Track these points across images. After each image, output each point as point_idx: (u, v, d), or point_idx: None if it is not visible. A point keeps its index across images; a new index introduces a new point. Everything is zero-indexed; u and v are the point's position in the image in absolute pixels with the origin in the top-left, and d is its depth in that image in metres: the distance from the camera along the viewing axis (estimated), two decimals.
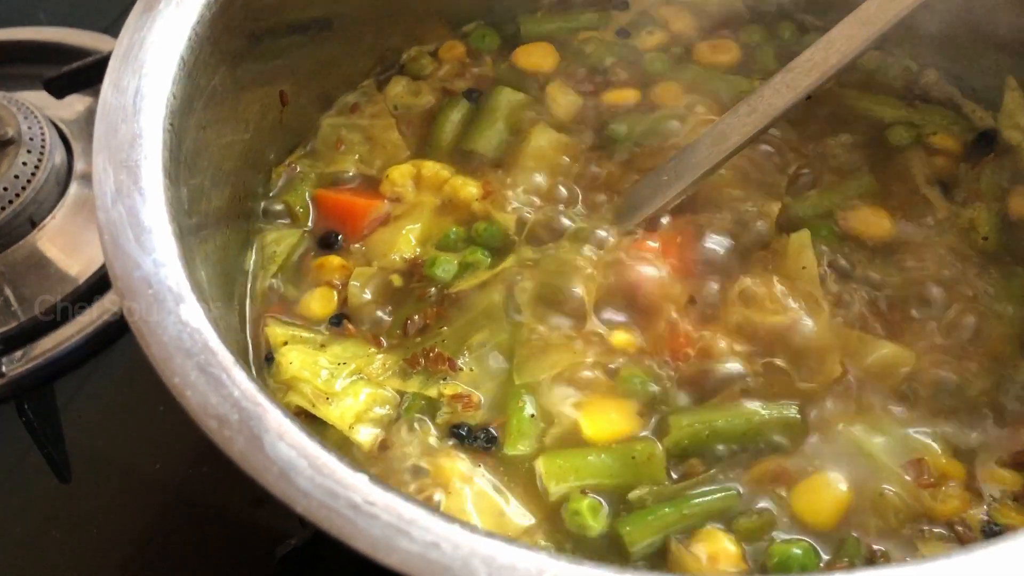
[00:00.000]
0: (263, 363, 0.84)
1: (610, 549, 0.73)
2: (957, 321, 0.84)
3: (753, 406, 0.79)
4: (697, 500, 0.74)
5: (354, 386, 0.81)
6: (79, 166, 1.11)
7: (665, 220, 0.90)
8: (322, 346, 0.84)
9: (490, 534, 0.53)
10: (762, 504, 0.75)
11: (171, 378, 0.59)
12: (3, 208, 1.02)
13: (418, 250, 0.91)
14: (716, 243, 0.88)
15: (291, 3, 0.91)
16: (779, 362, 0.82)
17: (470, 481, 0.75)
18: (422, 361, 0.82)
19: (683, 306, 0.84)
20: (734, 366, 0.81)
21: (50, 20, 1.29)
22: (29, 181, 1.04)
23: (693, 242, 0.88)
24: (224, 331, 0.62)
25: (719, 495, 0.75)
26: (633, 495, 0.75)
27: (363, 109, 1.03)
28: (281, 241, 0.92)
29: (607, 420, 0.79)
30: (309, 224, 0.94)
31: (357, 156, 0.99)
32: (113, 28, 1.24)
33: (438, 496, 0.75)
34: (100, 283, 1.03)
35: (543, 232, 0.90)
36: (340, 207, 0.94)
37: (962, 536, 0.73)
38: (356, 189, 0.96)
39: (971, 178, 0.95)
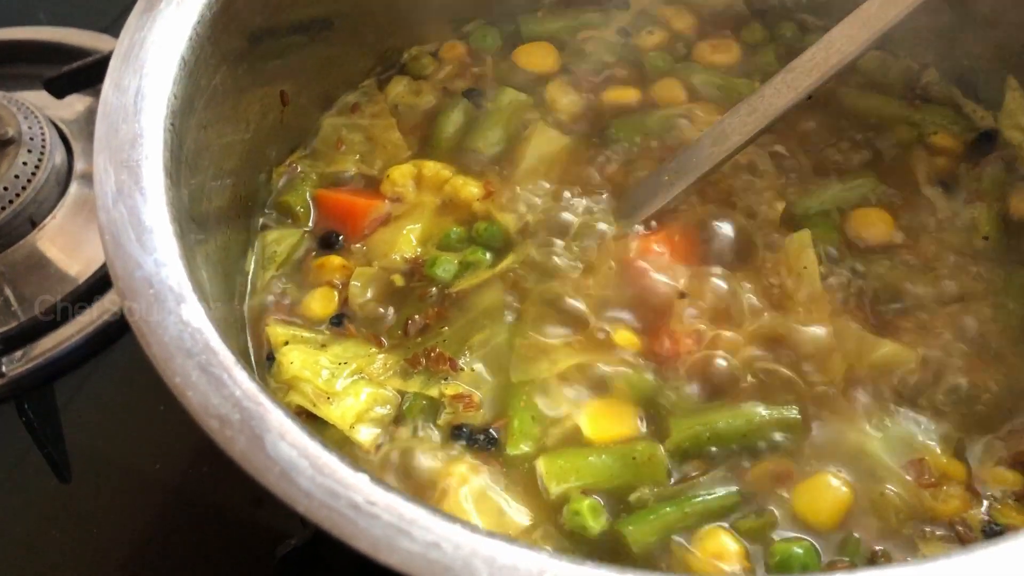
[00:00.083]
0: (264, 363, 0.84)
1: (610, 549, 0.73)
2: (958, 321, 0.84)
3: (754, 407, 0.79)
4: (698, 500, 0.74)
5: (355, 386, 0.81)
6: (79, 166, 1.11)
7: (666, 220, 0.90)
8: (323, 346, 0.84)
9: (491, 534, 0.53)
10: (763, 504, 0.75)
11: (172, 378, 0.59)
12: (3, 208, 1.02)
13: (419, 250, 0.91)
14: (717, 243, 0.88)
15: (291, 3, 0.91)
16: (780, 362, 0.82)
17: (471, 481, 0.75)
18: (423, 361, 0.82)
19: (682, 305, 0.84)
20: (735, 366, 0.81)
21: (50, 20, 1.29)
22: (29, 181, 1.04)
23: (694, 242, 0.89)
24: (225, 331, 0.62)
25: (720, 495, 0.75)
26: (634, 496, 0.75)
27: (364, 109, 1.03)
28: (282, 241, 0.92)
29: (608, 421, 0.79)
30: (310, 224, 0.94)
31: (358, 156, 0.99)
32: (113, 28, 1.24)
33: (438, 496, 0.74)
34: (100, 283, 1.03)
35: (543, 232, 0.90)
36: (341, 207, 0.94)
37: (963, 536, 0.73)
38: (357, 189, 0.96)
39: (972, 178, 0.95)
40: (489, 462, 0.77)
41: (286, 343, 0.84)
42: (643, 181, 0.93)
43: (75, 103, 1.17)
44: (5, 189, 1.03)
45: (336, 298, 0.88)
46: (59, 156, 1.09)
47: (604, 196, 0.93)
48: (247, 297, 0.89)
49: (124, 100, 0.71)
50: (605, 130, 0.99)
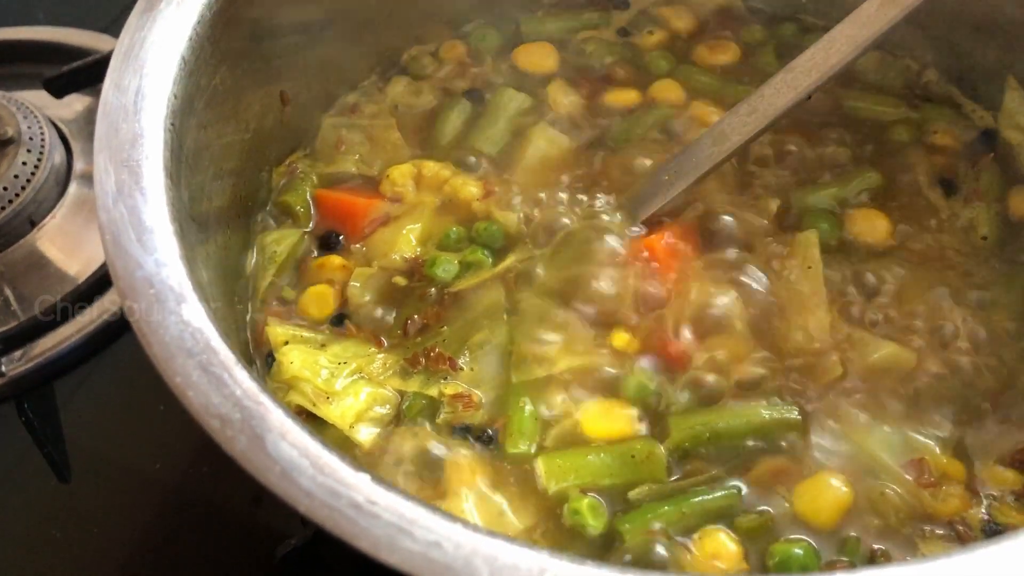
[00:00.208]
0: (264, 362, 0.84)
1: (610, 549, 0.73)
2: (957, 321, 0.84)
3: (754, 407, 0.79)
4: (697, 499, 0.74)
5: (355, 385, 0.81)
6: (79, 166, 1.11)
7: (666, 220, 0.90)
8: (323, 346, 0.84)
9: (492, 533, 0.53)
10: (763, 504, 0.75)
11: (173, 378, 0.59)
12: (3, 208, 1.02)
13: (418, 250, 0.91)
14: (717, 243, 0.88)
15: (291, 3, 0.91)
16: (781, 362, 0.82)
17: (470, 481, 0.75)
18: (423, 361, 0.82)
19: (682, 305, 0.84)
20: (735, 366, 0.81)
21: (49, 20, 1.29)
22: (29, 181, 1.04)
23: (694, 242, 0.89)
24: (225, 331, 0.62)
25: (720, 494, 0.75)
26: (633, 494, 0.75)
27: (363, 109, 1.03)
28: (282, 241, 0.92)
29: (607, 420, 0.79)
30: (310, 224, 0.94)
31: (358, 156, 0.99)
32: (113, 28, 1.24)
33: (439, 496, 0.75)
34: (100, 283, 1.04)
35: (543, 232, 0.90)
36: (341, 207, 0.94)
37: (963, 535, 0.73)
38: (357, 189, 0.96)
39: (971, 177, 0.95)
40: (489, 461, 0.77)
41: (286, 343, 0.84)
42: (643, 181, 0.93)
43: (74, 103, 1.17)
44: (5, 189, 1.03)
45: (336, 298, 0.88)
46: (58, 156, 1.09)
47: (604, 196, 0.93)
48: (247, 297, 0.89)
49: (124, 100, 0.72)
50: (605, 130, 0.99)
